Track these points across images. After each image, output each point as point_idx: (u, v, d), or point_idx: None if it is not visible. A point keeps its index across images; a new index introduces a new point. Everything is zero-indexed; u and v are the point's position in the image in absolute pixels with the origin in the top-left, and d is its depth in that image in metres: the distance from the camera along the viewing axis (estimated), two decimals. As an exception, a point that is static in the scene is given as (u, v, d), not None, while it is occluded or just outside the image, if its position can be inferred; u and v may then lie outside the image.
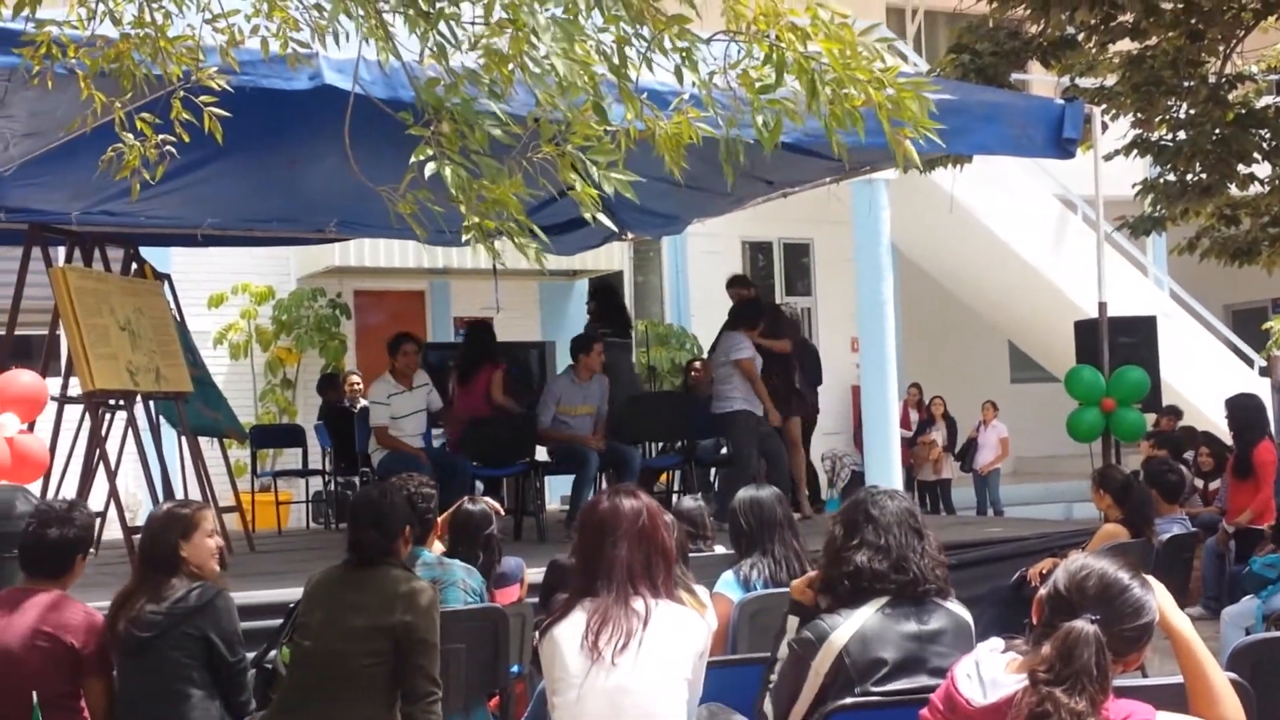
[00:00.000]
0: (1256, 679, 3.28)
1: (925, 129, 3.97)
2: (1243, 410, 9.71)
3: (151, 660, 4.20)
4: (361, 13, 3.71)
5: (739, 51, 3.89)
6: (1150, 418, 9.31)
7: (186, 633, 4.21)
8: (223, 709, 4.28)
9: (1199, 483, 10.82)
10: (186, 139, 4.17)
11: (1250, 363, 16.20)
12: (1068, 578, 2.66)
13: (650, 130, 3.88)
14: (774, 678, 3.40)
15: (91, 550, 4.60)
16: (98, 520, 7.17)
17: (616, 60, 3.75)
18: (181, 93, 4.14)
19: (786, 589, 4.64)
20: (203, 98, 4.14)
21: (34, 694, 4.11)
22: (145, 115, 4.16)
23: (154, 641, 4.19)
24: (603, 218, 3.89)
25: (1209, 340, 16.16)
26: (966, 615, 3.36)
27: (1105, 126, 9.34)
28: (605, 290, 10.42)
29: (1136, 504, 6.92)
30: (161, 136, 4.16)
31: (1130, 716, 2.53)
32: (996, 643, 2.78)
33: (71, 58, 4.10)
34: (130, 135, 4.13)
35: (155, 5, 4.00)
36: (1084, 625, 2.54)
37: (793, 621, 3.47)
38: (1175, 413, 12.86)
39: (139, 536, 4.63)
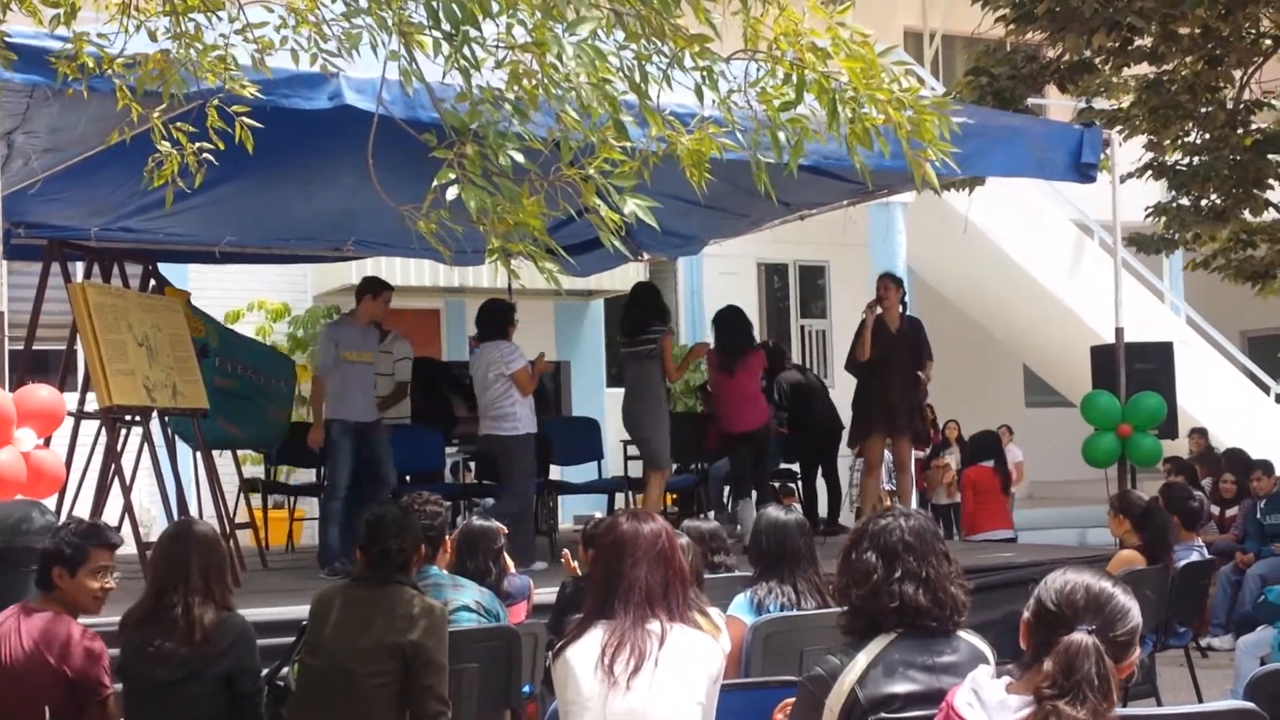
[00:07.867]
0: (1275, 709, 3.25)
1: (942, 152, 3.95)
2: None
3: (174, 698, 4.17)
4: (385, 37, 3.71)
5: (759, 70, 3.89)
6: (1166, 443, 9.31)
7: (215, 671, 4.19)
8: None
9: (1215, 509, 10.79)
10: (221, 146, 4.18)
11: (1267, 390, 16.14)
12: (1055, 594, 2.66)
13: (673, 146, 3.86)
14: None
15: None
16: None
17: (637, 77, 3.74)
18: (216, 101, 4.16)
19: (802, 613, 4.65)
20: (235, 107, 4.16)
21: (46, 710, 4.10)
22: (180, 125, 4.19)
23: (180, 682, 4.16)
24: (619, 244, 3.86)
25: (1226, 367, 16.09)
26: (983, 646, 3.23)
27: (1119, 144, 9.36)
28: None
29: (1156, 530, 6.87)
30: (197, 145, 4.18)
31: None
32: (988, 668, 2.79)
33: (106, 70, 4.12)
34: (166, 144, 4.15)
35: (186, 17, 4.02)
36: (1082, 636, 2.56)
37: None
38: (1204, 433, 12.89)
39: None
